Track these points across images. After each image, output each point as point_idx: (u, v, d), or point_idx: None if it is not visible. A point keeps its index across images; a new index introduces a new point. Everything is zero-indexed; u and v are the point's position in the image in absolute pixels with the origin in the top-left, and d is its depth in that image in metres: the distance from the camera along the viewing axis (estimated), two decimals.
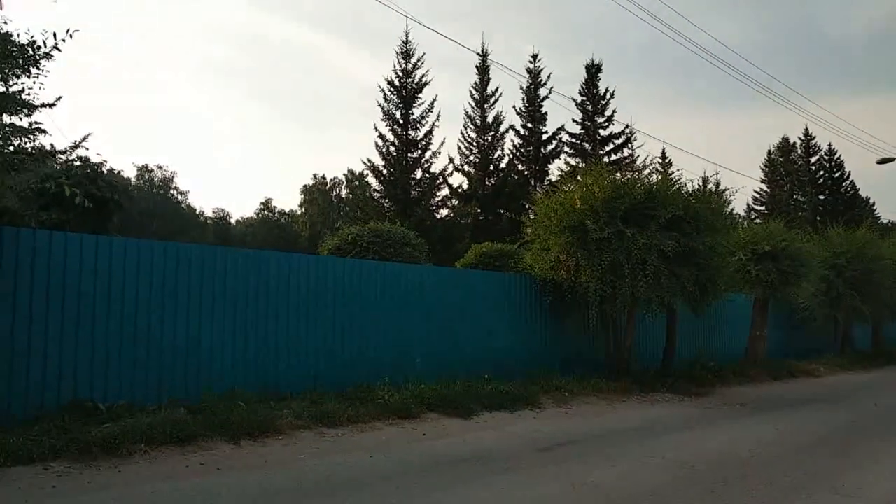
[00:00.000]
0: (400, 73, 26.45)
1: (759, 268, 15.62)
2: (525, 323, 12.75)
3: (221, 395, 7.70)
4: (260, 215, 76.37)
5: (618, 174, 12.92)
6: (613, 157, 33.72)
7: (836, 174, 48.76)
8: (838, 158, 48.78)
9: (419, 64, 26.47)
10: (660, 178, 13.15)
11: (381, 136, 26.02)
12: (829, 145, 48.92)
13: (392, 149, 26.08)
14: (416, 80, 26.53)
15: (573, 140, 34.30)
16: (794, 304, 19.14)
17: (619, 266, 11.80)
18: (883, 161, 34.88)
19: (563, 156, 32.95)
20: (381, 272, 10.60)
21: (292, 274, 9.23)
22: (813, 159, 49.05)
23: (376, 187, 26.60)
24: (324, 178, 67.79)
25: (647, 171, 13.25)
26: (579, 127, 34.18)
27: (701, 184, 13.09)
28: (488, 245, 16.56)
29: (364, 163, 26.24)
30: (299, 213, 69.87)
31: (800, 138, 49.35)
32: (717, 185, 29.93)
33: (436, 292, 11.26)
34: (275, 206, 78.03)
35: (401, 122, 26.06)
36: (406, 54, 26.48)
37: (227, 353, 8.35)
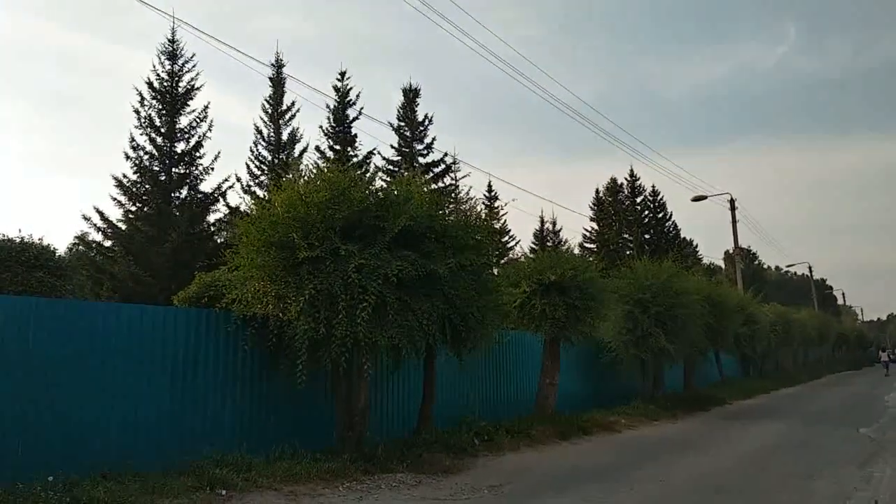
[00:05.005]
0: (164, 76, 22.04)
1: (545, 301, 12.86)
2: (211, 382, 8.93)
3: None
4: (74, 251, 66.87)
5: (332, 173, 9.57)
6: (434, 186, 31.29)
7: (660, 214, 49.77)
8: (661, 199, 49.90)
9: (189, 67, 22.31)
10: (402, 179, 10.06)
11: (137, 146, 21.37)
12: (653, 186, 49.98)
13: (148, 162, 21.48)
14: (186, 83, 22.25)
15: (390, 167, 31.52)
16: (600, 344, 16.85)
17: (334, 296, 8.46)
18: (696, 199, 35.36)
19: (378, 182, 29.88)
20: None
21: None
22: (638, 199, 49.82)
23: (131, 207, 21.69)
24: None
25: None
26: (395, 153, 31.51)
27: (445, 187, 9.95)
28: (218, 273, 12.60)
29: (113, 178, 21.41)
30: None
31: (626, 179, 50.01)
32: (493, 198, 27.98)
33: (38, 343, 7.20)
34: (92, 241, 68.98)
35: (163, 130, 21.55)
36: (172, 54, 22.17)
37: None
